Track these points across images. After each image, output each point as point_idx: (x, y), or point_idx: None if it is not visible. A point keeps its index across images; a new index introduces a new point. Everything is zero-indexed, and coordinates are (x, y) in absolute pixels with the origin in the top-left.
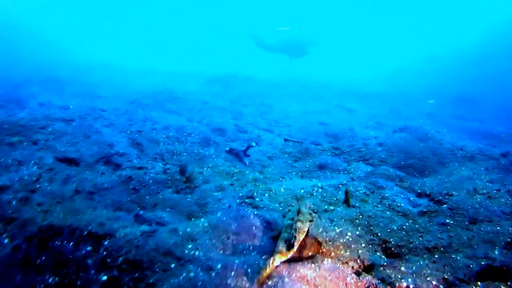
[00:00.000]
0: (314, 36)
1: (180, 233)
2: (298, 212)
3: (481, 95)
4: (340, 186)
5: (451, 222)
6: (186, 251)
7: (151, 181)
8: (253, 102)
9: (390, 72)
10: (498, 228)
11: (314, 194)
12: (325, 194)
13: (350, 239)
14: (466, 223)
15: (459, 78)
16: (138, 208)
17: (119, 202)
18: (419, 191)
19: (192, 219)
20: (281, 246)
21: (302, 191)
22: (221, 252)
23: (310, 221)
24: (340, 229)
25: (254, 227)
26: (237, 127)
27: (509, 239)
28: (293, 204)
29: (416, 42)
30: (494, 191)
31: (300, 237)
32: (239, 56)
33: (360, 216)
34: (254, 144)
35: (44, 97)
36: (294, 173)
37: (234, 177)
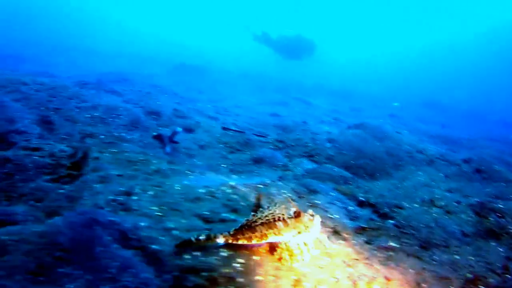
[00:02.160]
0: (312, 42)
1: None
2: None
3: (448, 101)
4: (260, 186)
5: (396, 246)
6: None
7: (31, 165)
8: (211, 90)
9: (359, 71)
10: (457, 257)
11: (218, 196)
12: (233, 196)
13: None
14: (416, 247)
15: (428, 83)
16: None
17: None
18: (362, 199)
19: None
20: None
21: (204, 190)
22: None
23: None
24: (230, 253)
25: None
26: (175, 112)
27: (469, 275)
28: (180, 209)
29: (389, 43)
30: (454, 203)
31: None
32: (217, 47)
33: None
34: (179, 129)
35: None
36: (224, 165)
37: (133, 167)
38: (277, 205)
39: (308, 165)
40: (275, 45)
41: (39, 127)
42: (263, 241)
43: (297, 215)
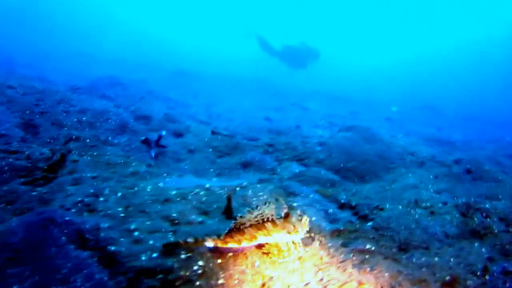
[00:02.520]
0: (316, 49)
1: None
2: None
3: (445, 104)
4: (237, 188)
5: (373, 248)
6: None
7: (6, 168)
8: (208, 96)
9: (361, 77)
10: (436, 259)
11: (189, 197)
12: (205, 198)
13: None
14: (394, 250)
15: (426, 87)
16: None
17: None
18: (343, 201)
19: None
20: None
21: (176, 192)
22: None
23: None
24: (189, 255)
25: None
26: (166, 117)
27: (447, 277)
28: (147, 210)
29: (391, 48)
30: (440, 204)
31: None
32: (216, 54)
33: None
34: (164, 132)
35: None
36: (211, 170)
37: (111, 169)
38: (266, 205)
39: (297, 168)
40: (279, 55)
41: (22, 130)
42: (253, 243)
43: (286, 215)
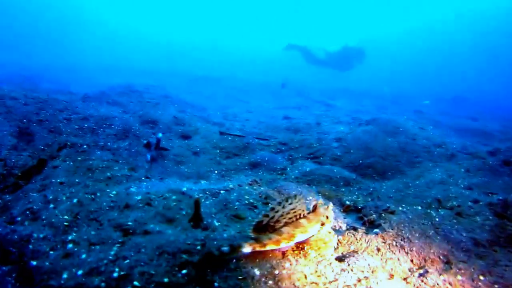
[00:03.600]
0: (361, 49)
1: None
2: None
3: (479, 94)
4: (222, 191)
5: (376, 264)
6: None
7: None
8: (229, 98)
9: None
10: (460, 278)
11: (155, 203)
12: (174, 204)
13: None
14: (403, 266)
15: (457, 78)
16: None
17: None
18: (348, 203)
19: None
20: None
21: (142, 197)
22: None
23: None
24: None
25: None
26: (175, 120)
27: None
28: (100, 219)
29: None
30: (470, 203)
31: None
32: (243, 55)
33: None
34: (160, 135)
35: None
36: (216, 171)
37: (89, 174)
38: (296, 199)
39: (309, 167)
40: (324, 63)
41: (16, 138)
42: (291, 242)
43: (314, 208)
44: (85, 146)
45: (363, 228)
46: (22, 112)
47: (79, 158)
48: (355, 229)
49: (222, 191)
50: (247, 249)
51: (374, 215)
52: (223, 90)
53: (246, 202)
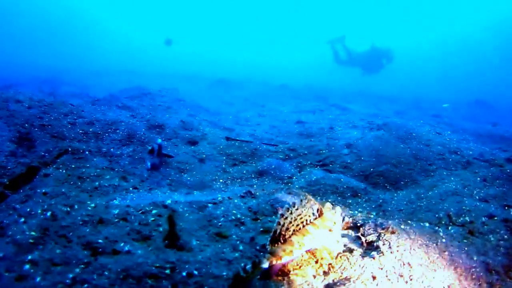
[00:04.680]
0: (389, 50)
1: None
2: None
3: (500, 98)
4: (209, 205)
5: None
6: None
7: None
8: (245, 102)
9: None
10: None
11: (132, 218)
12: (152, 219)
13: None
14: None
15: (477, 81)
16: None
17: None
18: (347, 219)
19: None
20: None
21: (119, 211)
22: None
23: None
24: None
25: None
26: (183, 124)
27: None
28: (69, 236)
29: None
30: (484, 218)
31: None
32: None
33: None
34: (159, 141)
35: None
36: (220, 180)
37: (78, 183)
38: (302, 204)
39: (317, 175)
40: (351, 63)
41: (15, 144)
42: (302, 250)
43: (320, 213)
44: (87, 152)
45: (361, 249)
46: (24, 116)
47: (73, 166)
48: (351, 251)
49: (210, 204)
50: (265, 264)
51: (373, 235)
52: (241, 93)
53: (233, 217)
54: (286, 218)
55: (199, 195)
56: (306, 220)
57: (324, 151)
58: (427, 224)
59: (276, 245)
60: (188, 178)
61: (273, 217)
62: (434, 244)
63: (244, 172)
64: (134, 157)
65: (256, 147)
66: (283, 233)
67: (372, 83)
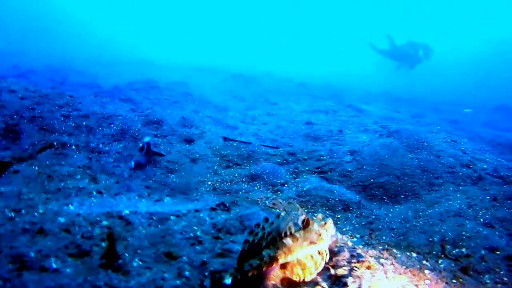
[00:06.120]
0: (427, 45)
1: None
2: None
3: None
4: (172, 217)
5: None
6: None
7: None
8: (257, 99)
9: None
10: None
11: (76, 229)
12: (98, 231)
13: None
14: None
15: (502, 85)
16: None
17: None
18: None
19: None
20: None
21: (65, 221)
22: None
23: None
24: None
25: None
26: (182, 121)
27: None
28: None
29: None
30: (483, 251)
31: None
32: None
33: None
34: (147, 139)
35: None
36: (208, 183)
37: (43, 184)
38: (280, 217)
39: (312, 183)
40: (390, 55)
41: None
42: (274, 266)
43: (305, 224)
44: (73, 147)
45: (326, 284)
46: (15, 107)
47: (48, 163)
48: (315, 284)
49: (172, 217)
50: (228, 280)
51: (345, 268)
52: (256, 89)
53: (192, 235)
54: (257, 234)
55: (169, 203)
56: (285, 233)
57: (325, 157)
58: (414, 255)
59: (247, 259)
60: (174, 180)
61: (238, 236)
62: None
63: (236, 175)
64: (123, 154)
65: (254, 149)
66: (254, 249)
67: (400, 84)
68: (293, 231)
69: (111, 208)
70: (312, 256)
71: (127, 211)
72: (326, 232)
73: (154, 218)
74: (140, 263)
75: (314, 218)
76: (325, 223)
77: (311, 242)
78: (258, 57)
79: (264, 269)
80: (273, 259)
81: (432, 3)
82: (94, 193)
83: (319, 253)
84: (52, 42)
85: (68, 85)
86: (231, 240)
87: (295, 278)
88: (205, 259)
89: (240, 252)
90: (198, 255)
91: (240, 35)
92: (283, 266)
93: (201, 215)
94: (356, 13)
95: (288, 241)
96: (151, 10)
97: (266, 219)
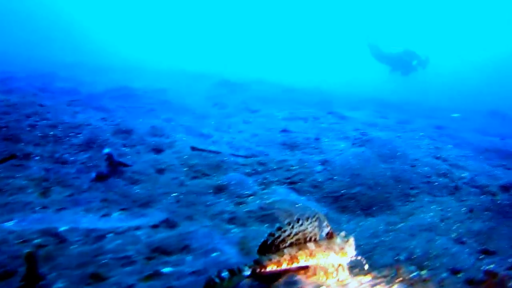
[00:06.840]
0: (423, 55)
1: None
2: None
3: None
4: (106, 235)
5: None
6: None
7: None
8: (239, 106)
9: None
10: None
11: (2, 248)
12: (18, 249)
13: None
14: None
15: (496, 89)
16: None
17: None
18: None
19: None
20: None
21: None
22: None
23: None
24: None
25: None
26: (152, 130)
27: None
28: None
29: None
30: (445, 274)
31: None
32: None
33: None
34: (107, 150)
35: None
36: (172, 195)
37: None
38: (308, 221)
39: (280, 195)
40: (386, 61)
41: None
42: (294, 265)
43: (329, 236)
44: (37, 158)
45: None
46: None
47: (2, 175)
48: None
49: (109, 235)
50: (247, 271)
51: None
52: (241, 96)
53: (124, 254)
54: (285, 231)
55: (114, 219)
56: (310, 238)
57: (295, 167)
58: (368, 278)
59: (269, 253)
60: (137, 191)
61: (173, 256)
62: None
63: (203, 186)
64: (87, 164)
65: (223, 158)
66: (277, 243)
67: (395, 90)
68: (317, 238)
69: (50, 224)
70: (333, 265)
71: (65, 228)
72: (349, 249)
73: (92, 235)
74: (63, 285)
75: (339, 233)
76: (348, 240)
77: (335, 253)
78: (254, 63)
79: (283, 265)
80: (294, 258)
81: (429, 13)
82: (37, 208)
83: (340, 265)
84: (43, 46)
85: (48, 92)
86: (163, 261)
87: (318, 279)
88: (133, 283)
89: (262, 243)
90: (127, 277)
91: (235, 41)
92: (303, 268)
93: (139, 233)
94: (356, 15)
95: (311, 245)
96: (150, 14)
97: (298, 220)
